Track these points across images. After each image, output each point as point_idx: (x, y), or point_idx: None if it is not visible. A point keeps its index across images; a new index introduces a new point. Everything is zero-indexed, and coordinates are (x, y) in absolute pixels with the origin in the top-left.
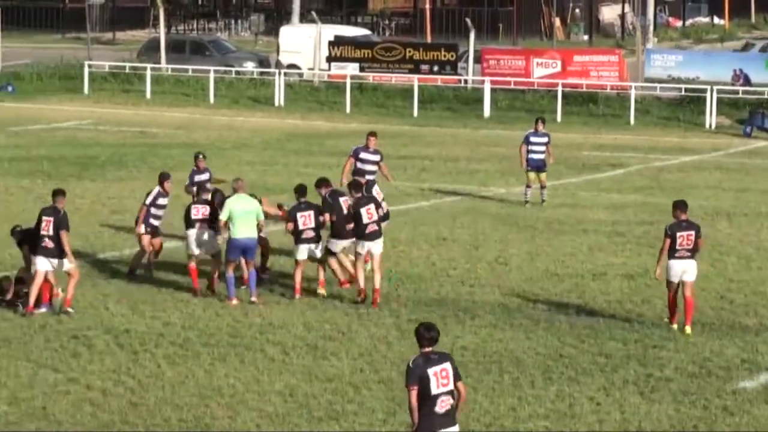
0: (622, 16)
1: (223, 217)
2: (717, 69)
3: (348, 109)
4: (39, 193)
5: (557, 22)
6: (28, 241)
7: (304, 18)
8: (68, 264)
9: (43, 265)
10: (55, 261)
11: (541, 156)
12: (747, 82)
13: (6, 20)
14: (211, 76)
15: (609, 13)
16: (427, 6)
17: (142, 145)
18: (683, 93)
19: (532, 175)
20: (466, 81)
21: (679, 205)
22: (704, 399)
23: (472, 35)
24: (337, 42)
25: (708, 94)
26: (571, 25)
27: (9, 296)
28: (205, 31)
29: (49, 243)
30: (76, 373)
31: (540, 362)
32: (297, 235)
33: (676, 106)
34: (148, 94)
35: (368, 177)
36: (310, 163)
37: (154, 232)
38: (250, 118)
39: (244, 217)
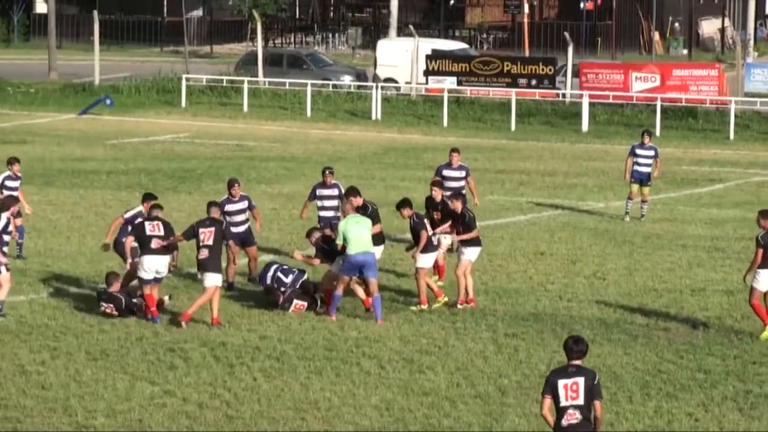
0: (722, 31)
1: (339, 241)
2: None
3: (445, 123)
4: (136, 205)
5: (656, 36)
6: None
7: (402, 32)
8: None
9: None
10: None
11: (647, 169)
12: None
13: (105, 34)
14: (309, 89)
15: (709, 28)
16: (525, 20)
17: (238, 158)
18: None
19: (635, 187)
20: (564, 95)
21: (765, 215)
22: None
23: (570, 49)
24: (435, 56)
25: None
26: (671, 39)
27: (112, 289)
28: (302, 44)
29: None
30: (173, 386)
31: (638, 378)
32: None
33: None
34: (245, 108)
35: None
36: (406, 176)
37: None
38: (347, 131)
39: (358, 234)
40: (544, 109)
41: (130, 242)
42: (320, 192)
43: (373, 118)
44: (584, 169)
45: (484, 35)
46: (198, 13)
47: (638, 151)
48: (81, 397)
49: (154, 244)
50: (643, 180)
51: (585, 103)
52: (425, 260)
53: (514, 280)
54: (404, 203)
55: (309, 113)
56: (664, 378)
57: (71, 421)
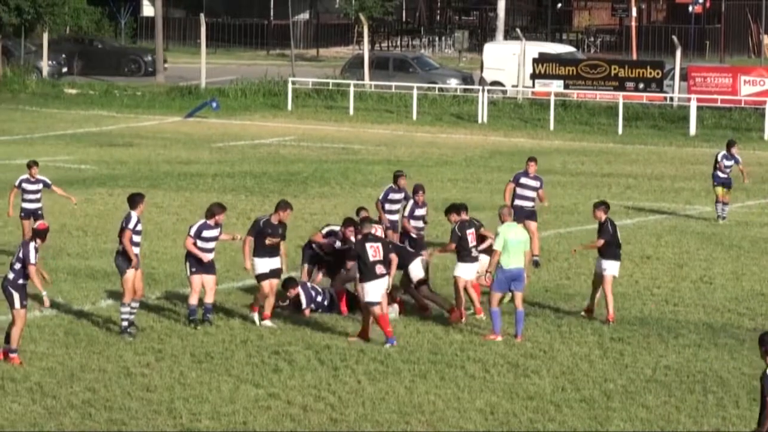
0: None
1: (497, 247)
2: None
3: (551, 127)
4: (242, 208)
5: (765, 39)
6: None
7: (509, 35)
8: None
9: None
10: None
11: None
12: None
13: (212, 37)
14: (414, 92)
15: None
16: (633, 23)
17: (344, 162)
18: None
19: (720, 190)
20: (671, 99)
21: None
22: None
23: (678, 52)
24: (542, 59)
25: None
26: None
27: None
28: (408, 48)
29: None
30: (277, 389)
31: (745, 382)
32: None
33: None
34: (351, 111)
35: (527, 203)
36: None
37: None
38: (452, 135)
39: (516, 246)
40: (651, 113)
41: (249, 242)
42: (392, 196)
43: (479, 121)
44: (691, 173)
45: (591, 38)
46: (305, 16)
47: (726, 162)
48: (186, 400)
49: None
50: (725, 184)
51: (693, 106)
52: (461, 269)
53: (620, 285)
54: (453, 209)
55: (415, 116)
56: None
57: (176, 423)
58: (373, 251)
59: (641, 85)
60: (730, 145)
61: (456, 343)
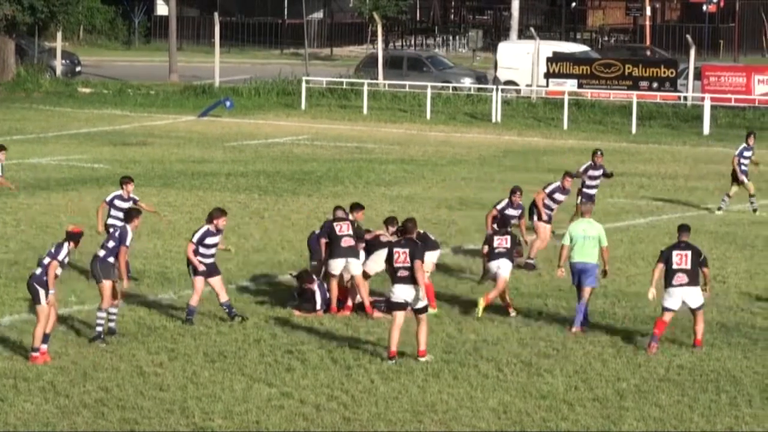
0: None
1: (565, 241)
2: None
3: (565, 126)
4: (255, 208)
5: None
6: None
7: (523, 34)
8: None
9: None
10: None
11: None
12: None
13: (225, 36)
14: (428, 92)
15: None
16: (647, 22)
17: (358, 161)
18: None
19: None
20: (685, 98)
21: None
22: None
23: (692, 52)
24: (556, 58)
25: None
26: None
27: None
28: (422, 47)
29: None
30: (290, 388)
31: (758, 381)
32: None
33: None
34: (365, 110)
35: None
36: (526, 179)
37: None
38: (466, 134)
39: (583, 241)
40: (665, 112)
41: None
42: (591, 173)
43: (493, 120)
44: (705, 172)
45: (606, 38)
46: (318, 15)
47: (746, 153)
48: (198, 399)
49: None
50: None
51: (707, 105)
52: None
53: (633, 284)
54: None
55: (429, 116)
56: None
57: (188, 422)
58: (339, 227)
59: (655, 85)
60: (751, 136)
61: (469, 343)
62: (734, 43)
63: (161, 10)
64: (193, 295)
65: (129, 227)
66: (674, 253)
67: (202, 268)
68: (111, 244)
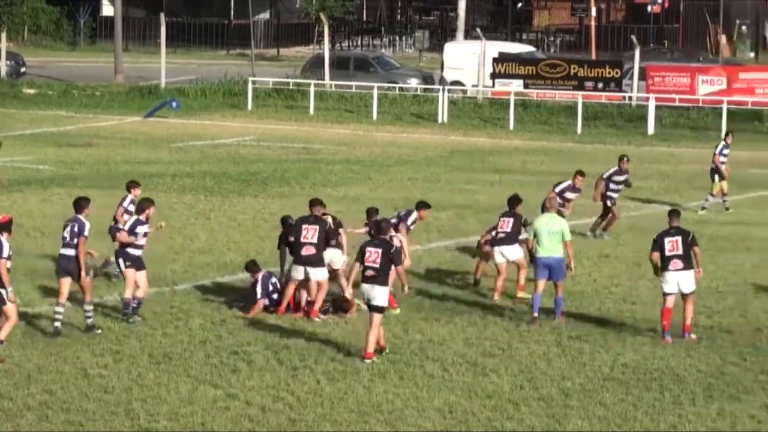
0: None
1: (530, 235)
2: None
3: (511, 126)
4: (201, 209)
5: (723, 39)
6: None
7: (469, 34)
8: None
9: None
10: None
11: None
12: None
13: (172, 36)
14: (375, 92)
15: None
16: (592, 23)
17: (304, 161)
18: None
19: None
20: (630, 98)
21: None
22: None
23: (637, 52)
24: (502, 58)
25: None
26: (737, 42)
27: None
28: (369, 47)
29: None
30: (236, 389)
31: (701, 380)
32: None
33: None
34: (312, 111)
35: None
36: (472, 179)
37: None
38: (413, 134)
39: (547, 235)
40: (610, 112)
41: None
42: (616, 178)
43: (440, 121)
44: (650, 172)
45: (551, 38)
46: (265, 15)
47: (725, 152)
48: (143, 401)
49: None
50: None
51: (651, 106)
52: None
53: (579, 283)
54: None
55: (375, 116)
56: (727, 380)
57: (133, 424)
58: (305, 232)
59: (600, 85)
60: (727, 135)
61: (415, 343)
62: (678, 44)
63: (107, 10)
64: (126, 287)
65: (82, 217)
66: (666, 240)
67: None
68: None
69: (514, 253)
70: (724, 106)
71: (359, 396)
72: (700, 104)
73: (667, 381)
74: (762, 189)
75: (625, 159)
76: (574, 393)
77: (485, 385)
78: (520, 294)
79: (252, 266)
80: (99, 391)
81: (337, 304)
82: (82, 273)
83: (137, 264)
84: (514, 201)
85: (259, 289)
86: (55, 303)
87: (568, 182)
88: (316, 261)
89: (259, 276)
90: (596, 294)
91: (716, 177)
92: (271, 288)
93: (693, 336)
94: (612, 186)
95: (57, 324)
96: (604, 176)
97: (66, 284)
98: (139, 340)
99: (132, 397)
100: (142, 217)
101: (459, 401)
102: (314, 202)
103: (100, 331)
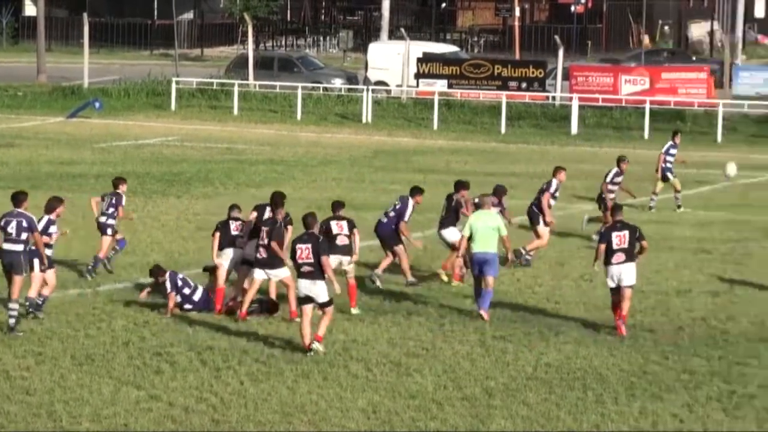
0: (711, 34)
1: (465, 233)
2: None
3: (435, 126)
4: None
5: (646, 39)
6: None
7: (393, 35)
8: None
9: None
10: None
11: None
12: None
13: (95, 36)
14: (299, 92)
15: (698, 31)
16: (516, 23)
17: (228, 162)
18: None
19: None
20: (554, 98)
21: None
22: None
23: (560, 52)
24: (426, 59)
25: None
26: (660, 42)
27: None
28: (293, 47)
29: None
30: (159, 390)
31: (624, 379)
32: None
33: (764, 123)
34: (236, 111)
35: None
36: (396, 179)
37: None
38: (337, 134)
39: (483, 231)
40: (533, 112)
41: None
42: (616, 180)
43: (364, 121)
44: (573, 171)
45: (475, 38)
46: (189, 15)
47: (672, 152)
48: (66, 403)
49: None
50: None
51: (575, 105)
52: None
53: (503, 283)
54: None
55: (299, 116)
56: (649, 379)
57: (56, 426)
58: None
59: (524, 85)
60: (675, 135)
61: (339, 343)
62: (602, 44)
63: (29, 10)
64: (32, 287)
65: (24, 211)
66: (613, 234)
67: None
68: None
69: (452, 235)
70: (647, 106)
71: (283, 397)
72: (623, 104)
73: (590, 380)
74: (684, 189)
75: (626, 160)
76: (498, 393)
77: (409, 385)
78: (441, 271)
79: (156, 271)
80: (21, 393)
81: (265, 306)
82: (36, 267)
83: (49, 263)
84: (459, 185)
85: (168, 285)
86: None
87: (556, 180)
88: (272, 263)
89: (166, 276)
90: (520, 294)
91: (669, 175)
92: (180, 283)
93: (624, 330)
94: (611, 187)
95: (11, 320)
96: (608, 180)
97: (17, 280)
98: (62, 341)
99: (54, 398)
100: (53, 216)
101: (383, 401)
102: (276, 203)
103: (22, 333)
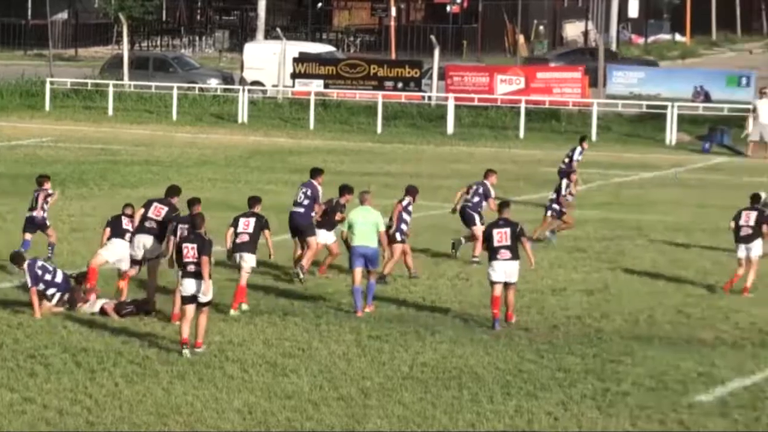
0: (585, 33)
1: (344, 227)
2: (678, 86)
3: (312, 126)
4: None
5: (521, 39)
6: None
7: (269, 35)
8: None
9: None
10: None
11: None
12: (707, 98)
13: None
14: (174, 92)
15: (572, 30)
16: (392, 23)
17: (103, 162)
18: (644, 110)
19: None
20: (430, 98)
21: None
22: (661, 413)
23: (436, 52)
24: (302, 59)
25: (669, 111)
26: (535, 42)
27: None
28: (168, 47)
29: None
30: (33, 393)
31: (499, 377)
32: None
33: (637, 122)
34: (111, 111)
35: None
36: (272, 179)
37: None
38: (212, 135)
39: (362, 226)
40: (410, 112)
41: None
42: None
43: (240, 121)
44: (449, 171)
45: (351, 38)
46: (63, 15)
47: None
48: None
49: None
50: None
51: (450, 105)
52: None
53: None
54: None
55: (175, 117)
56: (524, 377)
57: None
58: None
59: (400, 85)
60: (583, 140)
61: (215, 344)
62: (478, 44)
63: None
64: None
65: None
66: (494, 231)
67: None
68: None
69: (325, 237)
70: (522, 106)
71: (158, 398)
72: (499, 104)
73: (465, 379)
74: None
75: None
76: (374, 392)
77: (285, 385)
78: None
79: (16, 257)
80: None
81: (139, 306)
82: None
83: None
84: (344, 189)
85: (28, 279)
86: None
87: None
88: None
89: (25, 266)
90: (396, 292)
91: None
92: (39, 273)
93: (502, 325)
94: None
95: None
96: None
97: None
98: None
99: None
100: None
101: (259, 402)
102: (171, 191)
103: None
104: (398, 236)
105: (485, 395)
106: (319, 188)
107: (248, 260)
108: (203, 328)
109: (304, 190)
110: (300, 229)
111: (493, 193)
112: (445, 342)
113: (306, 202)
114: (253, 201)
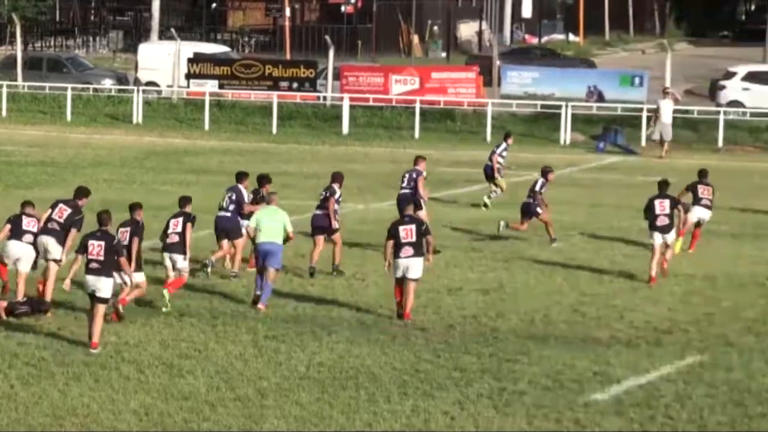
0: (480, 33)
1: (251, 224)
2: (572, 86)
3: (207, 126)
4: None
5: (416, 39)
6: None
7: (163, 35)
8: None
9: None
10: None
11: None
12: (600, 98)
13: None
14: (69, 93)
15: (466, 31)
16: (287, 23)
17: None
18: (539, 110)
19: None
20: (324, 98)
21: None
22: (557, 412)
23: (331, 52)
24: (196, 59)
25: (563, 111)
26: (429, 42)
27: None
28: (62, 48)
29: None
30: None
31: (396, 377)
32: None
33: (531, 122)
34: (4, 112)
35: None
36: (167, 180)
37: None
38: (107, 135)
39: (268, 224)
40: (305, 112)
41: None
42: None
43: (134, 121)
44: (344, 171)
45: (246, 38)
46: None
47: (504, 154)
48: None
49: None
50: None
51: (345, 105)
52: None
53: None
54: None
55: (69, 117)
56: (421, 377)
57: None
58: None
59: (295, 85)
60: (507, 137)
61: (110, 345)
62: (372, 44)
63: None
64: None
65: None
66: (400, 228)
67: None
68: None
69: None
70: (417, 106)
71: (54, 400)
72: (394, 104)
73: (362, 379)
74: (453, 187)
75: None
76: (271, 393)
77: (181, 386)
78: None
79: None
80: None
81: (35, 306)
82: None
83: None
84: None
85: None
86: None
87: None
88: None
89: None
90: (292, 293)
91: (498, 175)
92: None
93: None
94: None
95: None
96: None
97: None
98: None
99: None
100: None
101: (155, 403)
102: (79, 193)
103: None
104: (336, 224)
105: (382, 395)
106: (245, 192)
107: (178, 261)
108: (99, 327)
109: (229, 194)
110: (227, 232)
111: (425, 173)
112: (342, 342)
113: (231, 207)
114: (184, 201)
